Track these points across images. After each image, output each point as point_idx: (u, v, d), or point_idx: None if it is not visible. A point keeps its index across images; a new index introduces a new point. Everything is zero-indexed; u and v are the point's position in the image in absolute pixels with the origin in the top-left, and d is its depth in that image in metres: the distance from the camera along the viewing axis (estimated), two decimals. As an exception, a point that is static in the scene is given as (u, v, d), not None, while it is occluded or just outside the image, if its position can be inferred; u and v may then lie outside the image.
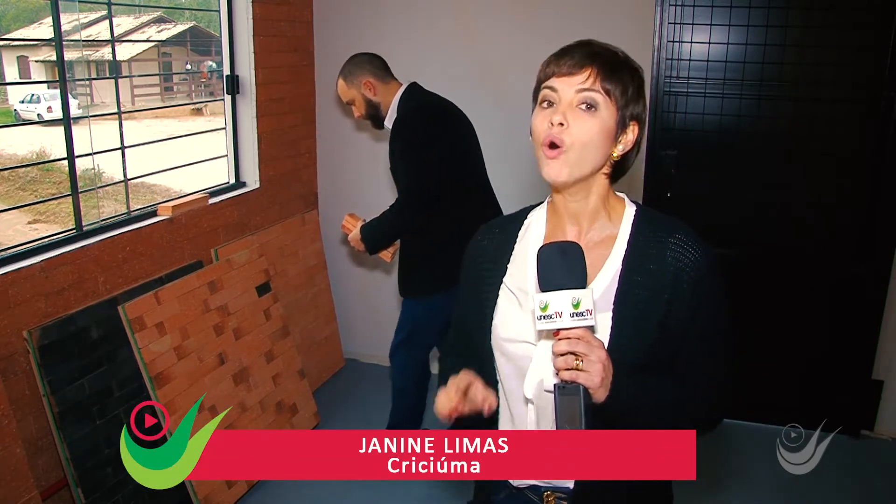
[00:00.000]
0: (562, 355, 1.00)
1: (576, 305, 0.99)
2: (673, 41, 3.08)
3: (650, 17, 3.08)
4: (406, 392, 2.82)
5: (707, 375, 1.15)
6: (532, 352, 1.14)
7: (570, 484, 1.18)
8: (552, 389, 1.04)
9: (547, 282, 1.01)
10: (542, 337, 1.12)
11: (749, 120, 3.07)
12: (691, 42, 3.07)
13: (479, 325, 1.23)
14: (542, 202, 1.27)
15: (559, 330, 1.00)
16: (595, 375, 0.99)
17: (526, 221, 1.26)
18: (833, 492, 2.83)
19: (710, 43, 3.05)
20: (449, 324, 2.82)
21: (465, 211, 2.55)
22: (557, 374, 1.01)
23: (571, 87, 1.10)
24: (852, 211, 3.04)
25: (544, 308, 0.99)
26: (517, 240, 1.24)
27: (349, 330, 3.85)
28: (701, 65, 3.07)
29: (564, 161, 1.10)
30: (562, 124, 1.09)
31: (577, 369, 0.99)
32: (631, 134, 1.14)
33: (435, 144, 2.54)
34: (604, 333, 1.10)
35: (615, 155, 1.14)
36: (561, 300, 0.99)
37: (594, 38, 1.16)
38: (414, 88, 2.68)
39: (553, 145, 1.09)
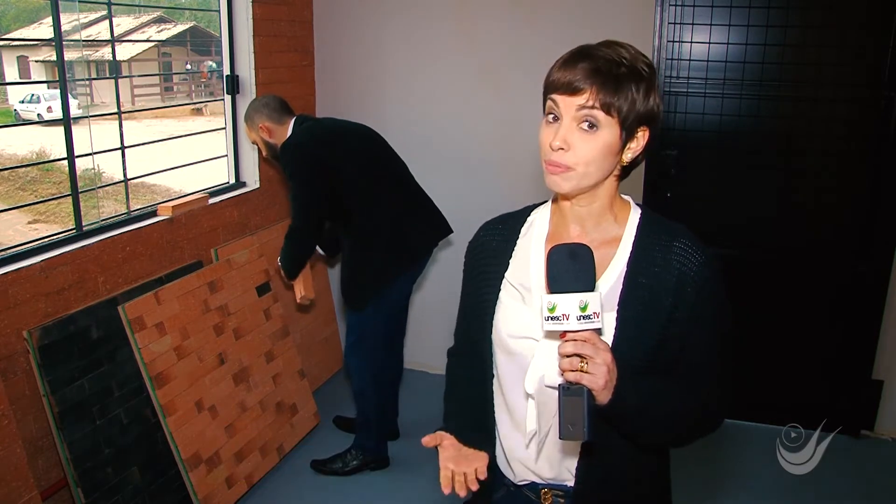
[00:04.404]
0: (567, 356, 1.00)
1: (583, 308, 0.98)
2: (673, 41, 3.08)
3: (650, 17, 3.08)
4: (365, 394, 2.87)
5: (708, 379, 1.15)
6: (535, 348, 1.14)
7: (570, 482, 1.19)
8: (554, 386, 1.04)
9: (555, 283, 1.01)
10: (548, 337, 1.12)
11: (749, 120, 3.07)
12: (691, 42, 3.07)
13: (479, 320, 1.24)
14: (545, 201, 1.27)
15: (566, 332, 1.00)
16: (599, 378, 0.99)
17: (529, 218, 1.26)
18: (833, 492, 2.83)
19: (710, 43, 3.05)
20: (394, 317, 2.89)
21: (381, 218, 2.70)
22: (562, 374, 1.01)
23: (572, 106, 1.06)
24: (852, 211, 3.04)
25: (552, 309, 1.00)
26: (520, 236, 1.24)
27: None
28: (701, 65, 3.07)
29: (567, 177, 1.08)
30: (562, 148, 1.06)
31: (581, 371, 0.99)
32: (641, 140, 1.11)
33: (312, 176, 2.65)
34: (608, 333, 1.11)
35: (625, 161, 1.12)
36: (568, 303, 0.99)
37: (596, 42, 1.11)
38: (299, 121, 2.77)
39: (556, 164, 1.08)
